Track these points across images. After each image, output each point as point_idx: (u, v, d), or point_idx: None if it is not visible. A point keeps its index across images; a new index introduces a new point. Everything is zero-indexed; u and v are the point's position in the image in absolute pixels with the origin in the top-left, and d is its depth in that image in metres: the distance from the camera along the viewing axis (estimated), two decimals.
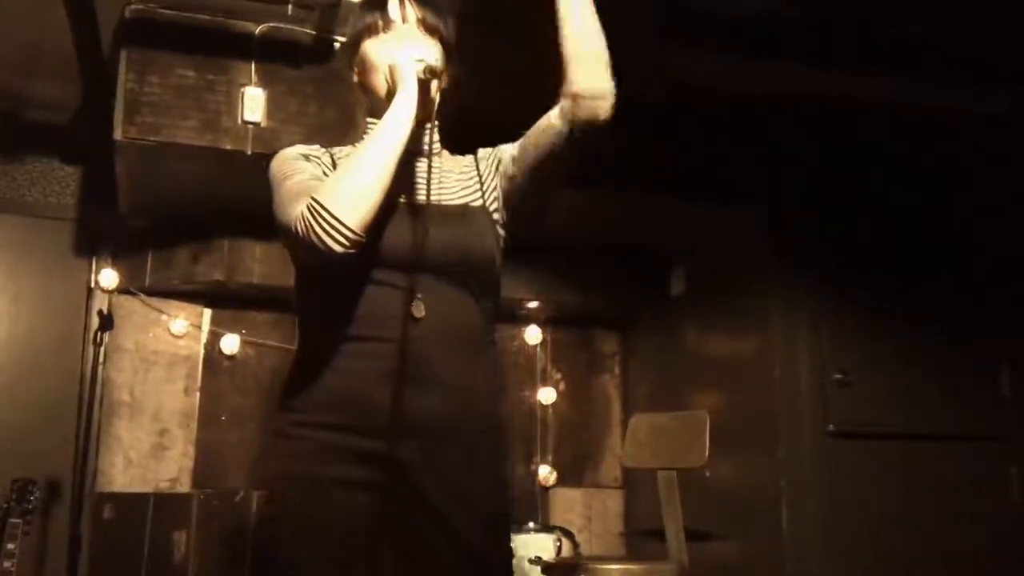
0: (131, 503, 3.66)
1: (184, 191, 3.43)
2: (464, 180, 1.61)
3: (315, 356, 1.48)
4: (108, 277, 3.72)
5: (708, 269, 3.81)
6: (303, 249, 1.37)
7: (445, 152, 1.65)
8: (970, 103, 3.42)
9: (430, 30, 1.58)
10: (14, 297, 3.76)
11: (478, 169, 1.63)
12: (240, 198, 3.49)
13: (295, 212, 1.37)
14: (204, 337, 3.88)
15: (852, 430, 3.28)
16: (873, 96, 3.36)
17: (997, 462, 3.46)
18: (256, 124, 3.03)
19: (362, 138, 1.59)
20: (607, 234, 3.94)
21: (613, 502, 4.28)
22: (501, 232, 1.59)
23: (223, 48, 3.04)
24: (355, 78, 1.63)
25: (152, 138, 2.95)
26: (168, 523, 3.69)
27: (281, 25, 3.08)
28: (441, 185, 1.58)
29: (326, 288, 1.48)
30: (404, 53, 1.51)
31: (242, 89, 3.03)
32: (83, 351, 3.70)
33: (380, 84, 1.55)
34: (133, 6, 2.95)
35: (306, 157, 1.51)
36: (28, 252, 3.80)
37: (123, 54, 2.96)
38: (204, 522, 3.73)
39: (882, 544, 3.20)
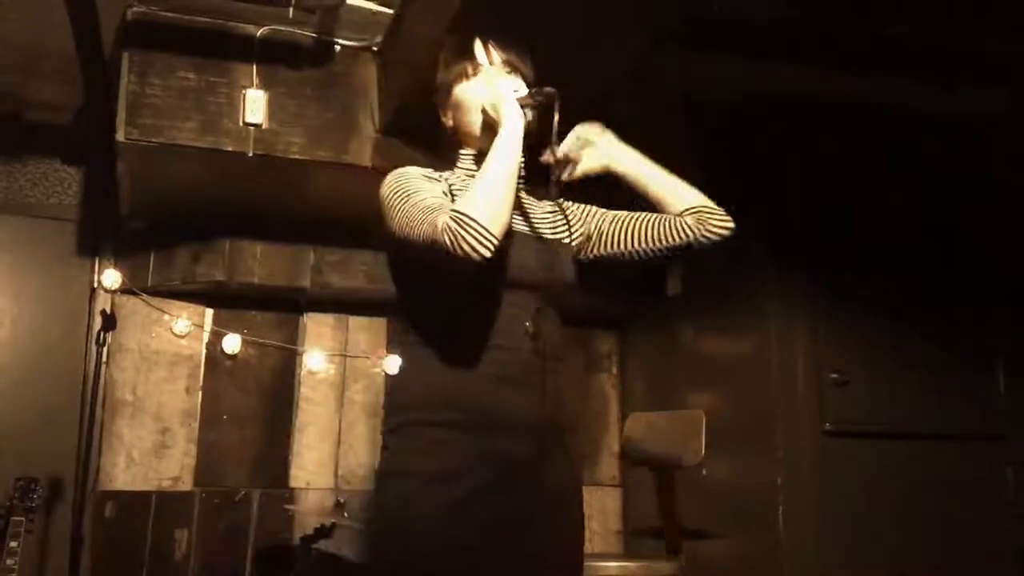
0: (133, 501, 3.68)
1: (185, 192, 3.45)
2: (553, 217, 1.82)
3: (434, 361, 1.63)
4: (110, 277, 3.74)
5: (705, 269, 3.81)
6: (450, 257, 1.50)
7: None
8: (970, 103, 3.43)
9: (513, 69, 1.76)
10: (17, 297, 3.79)
11: (564, 214, 1.85)
12: (241, 199, 3.52)
13: (437, 224, 1.51)
14: (206, 337, 3.90)
15: (848, 429, 3.29)
16: (872, 96, 3.37)
17: (993, 461, 3.47)
18: (257, 126, 3.06)
19: (457, 168, 1.80)
20: None
21: (611, 500, 4.31)
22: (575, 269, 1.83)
23: (224, 50, 3.06)
24: (449, 121, 1.79)
25: (154, 139, 2.98)
26: (170, 521, 3.72)
27: (282, 28, 3.10)
28: (537, 218, 1.79)
29: (452, 300, 1.63)
30: (499, 87, 1.69)
31: (243, 91, 3.06)
32: (86, 351, 3.72)
33: (474, 122, 1.73)
34: (135, 8, 2.98)
35: (428, 178, 1.68)
36: (30, 252, 3.82)
37: (125, 56, 2.99)
38: (205, 520, 3.76)
39: (878, 542, 3.22)
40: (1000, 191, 3.63)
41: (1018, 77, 3.26)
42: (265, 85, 3.08)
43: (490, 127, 1.68)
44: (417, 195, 1.60)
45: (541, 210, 1.82)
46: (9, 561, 3.01)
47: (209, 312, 3.93)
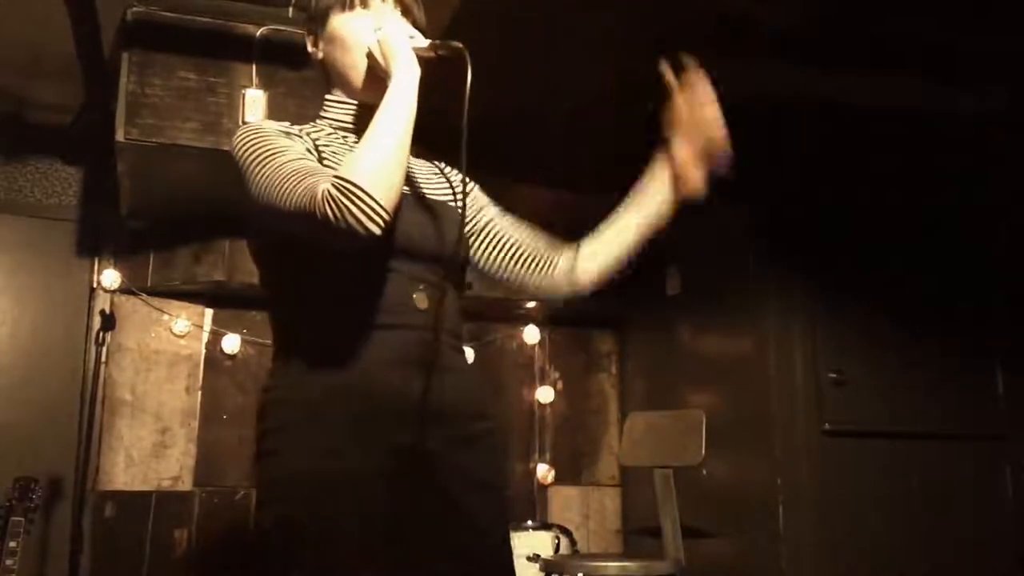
0: (133, 501, 3.68)
1: (185, 192, 3.45)
2: (435, 179, 1.59)
3: (314, 347, 1.42)
4: (110, 277, 3.74)
5: (703, 269, 3.83)
6: (331, 231, 1.28)
7: None
8: (970, 103, 3.43)
9: (406, 11, 1.52)
10: (16, 297, 3.79)
11: (445, 175, 1.63)
12: (241, 199, 3.52)
13: (315, 192, 1.29)
14: (205, 337, 3.91)
15: (847, 429, 3.30)
16: (870, 96, 3.37)
17: (991, 461, 3.48)
18: None
19: (322, 118, 1.55)
20: None
21: (610, 500, 4.31)
22: None
23: (224, 50, 3.06)
24: (318, 54, 1.55)
25: (153, 140, 2.97)
26: (169, 521, 3.72)
27: (282, 28, 3.10)
28: (421, 178, 1.57)
29: (330, 277, 1.42)
30: (391, 29, 1.44)
31: (243, 91, 3.06)
32: (85, 351, 3.72)
33: (354, 66, 1.48)
34: (135, 8, 2.98)
35: (286, 134, 1.43)
36: (30, 252, 3.82)
37: (125, 56, 2.99)
38: (205, 520, 3.76)
39: (877, 542, 3.22)
40: (1000, 191, 3.63)
41: (1018, 77, 3.26)
42: (265, 85, 3.08)
43: (376, 77, 1.42)
44: (280, 156, 1.36)
45: (427, 170, 1.60)
46: (9, 561, 3.01)
47: (209, 312, 3.93)
